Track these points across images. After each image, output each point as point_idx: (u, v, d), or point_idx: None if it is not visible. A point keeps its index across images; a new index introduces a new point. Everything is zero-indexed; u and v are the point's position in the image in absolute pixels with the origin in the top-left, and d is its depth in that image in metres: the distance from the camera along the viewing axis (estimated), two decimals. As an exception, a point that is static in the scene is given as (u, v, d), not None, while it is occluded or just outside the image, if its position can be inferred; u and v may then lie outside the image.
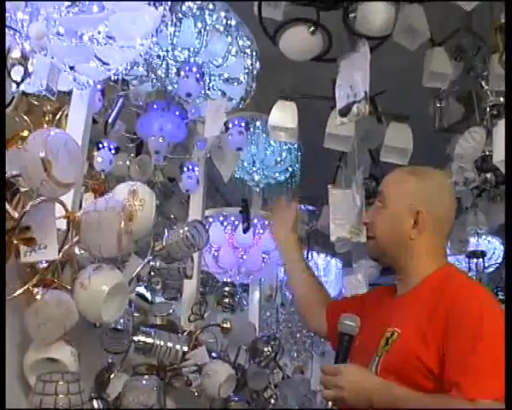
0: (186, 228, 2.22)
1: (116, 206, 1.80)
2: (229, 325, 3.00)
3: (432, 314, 1.89)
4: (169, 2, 2.20)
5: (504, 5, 2.54)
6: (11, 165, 1.63)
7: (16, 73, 1.52)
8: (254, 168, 4.23)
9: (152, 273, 2.81)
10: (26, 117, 2.86)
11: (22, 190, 1.85)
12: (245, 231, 3.32)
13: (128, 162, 3.53)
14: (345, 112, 2.97)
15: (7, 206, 1.65)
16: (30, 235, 1.69)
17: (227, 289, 4.91)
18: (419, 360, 1.85)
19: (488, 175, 3.86)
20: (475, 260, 5.16)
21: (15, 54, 1.57)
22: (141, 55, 2.32)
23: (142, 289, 3.24)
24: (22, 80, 1.68)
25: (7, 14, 1.90)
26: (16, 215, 1.68)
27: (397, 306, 2.08)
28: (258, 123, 4.05)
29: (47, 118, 3.39)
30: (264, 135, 4.05)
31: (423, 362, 1.85)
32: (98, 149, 3.21)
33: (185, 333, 2.79)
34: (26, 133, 3.26)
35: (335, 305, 2.44)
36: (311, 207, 5.43)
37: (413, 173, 2.18)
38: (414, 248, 2.08)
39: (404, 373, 1.87)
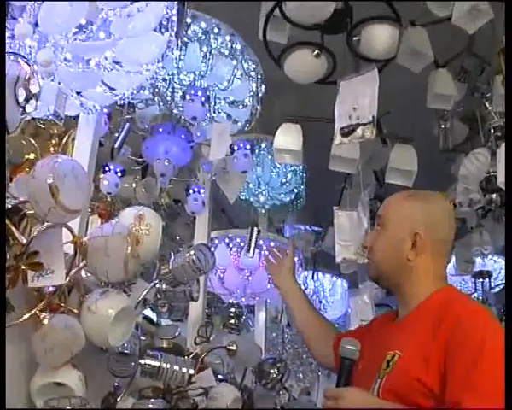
0: (192, 252, 2.22)
1: (123, 231, 1.81)
2: (235, 348, 2.98)
3: (432, 336, 1.90)
4: (175, 28, 2.21)
5: (504, 5, 2.54)
6: (19, 191, 1.65)
7: (30, 106, 1.53)
8: (260, 190, 4.25)
9: (158, 296, 2.82)
10: (32, 140, 2.88)
11: (28, 212, 1.87)
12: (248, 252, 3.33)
13: (134, 185, 3.54)
14: (346, 132, 2.99)
15: (15, 231, 1.65)
16: (37, 260, 1.70)
17: (233, 310, 4.92)
18: (419, 382, 1.86)
19: (493, 196, 3.87)
20: (481, 281, 5.15)
21: (34, 89, 1.59)
22: (147, 80, 2.33)
23: (147, 312, 3.23)
24: (27, 102, 1.69)
25: (15, 41, 1.94)
26: (24, 240, 1.68)
27: (397, 329, 2.10)
28: (263, 144, 4.08)
29: (53, 141, 3.41)
30: (269, 156, 4.08)
31: (424, 383, 1.85)
32: (104, 171, 3.22)
33: (191, 356, 2.78)
34: (32, 156, 3.29)
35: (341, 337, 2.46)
36: (316, 228, 5.44)
37: (412, 197, 2.21)
38: (412, 270, 2.09)
39: (404, 394, 1.88)
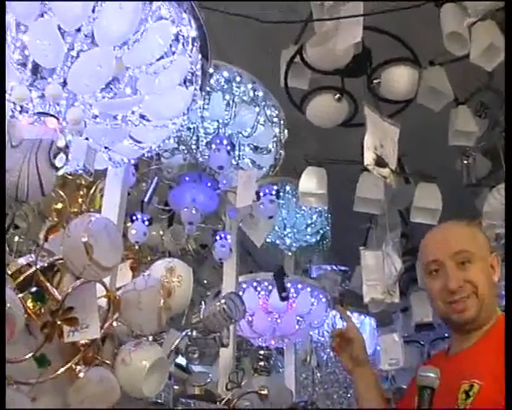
0: (223, 301, 2.25)
1: (155, 284, 1.84)
2: (266, 392, 2.99)
3: None
4: (199, 81, 2.27)
5: (504, 6, 2.56)
6: (55, 249, 1.70)
7: (59, 160, 1.58)
8: (285, 232, 4.27)
9: (188, 343, 2.84)
10: (60, 191, 2.93)
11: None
12: (284, 299, 3.34)
13: (161, 232, 3.59)
14: (376, 162, 3.01)
15: (50, 288, 1.70)
16: (73, 315, 1.74)
17: (262, 352, 4.91)
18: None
19: (519, 229, 3.85)
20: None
21: (60, 143, 1.64)
22: (173, 131, 2.38)
23: (178, 359, 3.26)
24: (62, 167, 1.74)
25: (45, 103, 2.00)
26: (59, 296, 1.72)
27: (467, 358, 2.01)
28: (287, 187, 4.11)
29: (81, 192, 3.47)
30: (294, 199, 4.11)
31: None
32: (132, 221, 3.27)
33: (223, 401, 2.80)
34: (60, 206, 3.35)
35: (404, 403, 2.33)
36: (342, 268, 5.45)
37: (468, 224, 2.17)
38: (496, 292, 2.07)
39: None
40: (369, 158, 2.98)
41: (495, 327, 1.99)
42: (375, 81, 3.15)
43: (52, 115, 1.99)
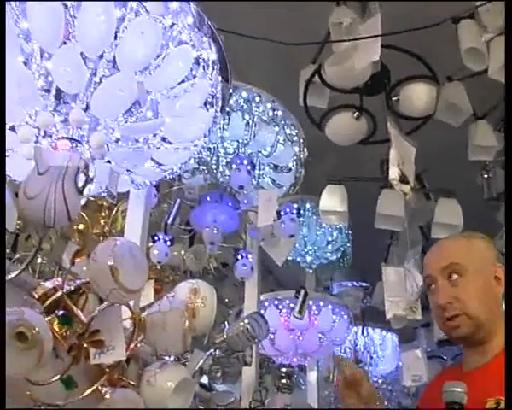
0: (246, 320, 2.27)
1: (180, 306, 1.87)
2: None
3: None
4: (219, 103, 2.29)
5: (504, 6, 2.56)
6: (81, 273, 1.72)
7: (84, 185, 1.61)
8: (306, 249, 4.29)
9: (212, 362, 2.86)
10: (82, 212, 2.97)
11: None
12: (297, 318, 3.35)
13: (183, 252, 3.61)
14: (400, 179, 3.02)
15: (77, 311, 1.72)
16: (99, 337, 1.76)
17: (284, 370, 4.91)
18: None
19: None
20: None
21: (85, 168, 1.67)
22: (194, 153, 2.41)
23: (202, 378, 3.27)
24: (84, 187, 1.76)
25: (68, 127, 2.03)
26: (85, 319, 1.74)
27: (485, 376, 1.91)
28: (307, 205, 4.13)
29: (103, 213, 3.51)
30: (314, 217, 4.12)
31: None
32: (154, 241, 3.30)
33: (247, 421, 2.81)
34: (81, 226, 3.38)
35: None
36: (363, 284, 5.45)
37: (471, 236, 2.08)
38: (501, 306, 1.97)
39: None
40: (394, 173, 3.00)
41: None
42: (393, 98, 3.17)
43: (76, 140, 2.02)
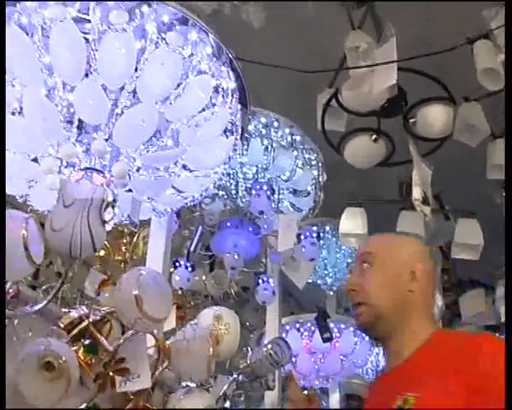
0: (269, 346, 2.28)
1: (204, 333, 1.88)
2: (312, 434, 2.99)
3: (455, 381, 1.71)
4: (239, 130, 2.31)
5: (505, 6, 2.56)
6: (106, 302, 1.75)
7: (108, 216, 1.64)
8: (326, 272, 4.29)
9: (235, 387, 2.86)
10: (104, 239, 2.99)
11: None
12: (326, 340, 3.34)
13: (204, 277, 3.63)
14: (422, 200, 3.04)
15: (103, 340, 1.74)
16: (124, 366, 1.78)
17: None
18: None
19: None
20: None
21: (109, 199, 1.70)
22: (214, 180, 2.43)
23: (226, 403, 3.27)
24: (110, 220, 1.79)
25: (90, 157, 2.06)
26: (111, 348, 1.76)
27: (399, 375, 1.89)
28: (327, 228, 4.13)
29: (124, 240, 3.54)
30: (333, 239, 4.13)
31: None
32: (175, 267, 3.32)
33: (270, 445, 2.81)
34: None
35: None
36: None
37: (396, 236, 2.18)
38: (413, 304, 1.93)
39: None
40: (417, 194, 3.02)
41: (431, 341, 1.88)
42: (411, 121, 3.18)
43: (98, 170, 2.05)
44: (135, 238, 3.44)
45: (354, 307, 1.99)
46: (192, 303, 3.97)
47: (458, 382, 1.70)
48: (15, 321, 1.61)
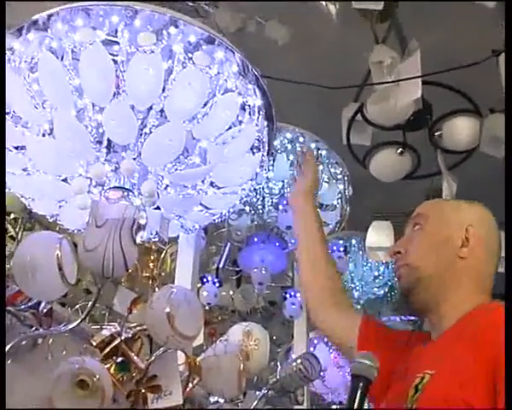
0: (299, 361, 2.29)
1: (235, 349, 1.90)
2: (342, 449, 3.00)
3: (473, 353, 1.56)
4: (266, 147, 2.33)
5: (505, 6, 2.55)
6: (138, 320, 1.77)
7: (140, 236, 1.66)
8: (353, 285, 4.28)
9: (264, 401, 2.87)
10: (132, 256, 3.01)
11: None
12: None
13: (231, 292, 3.65)
14: None
15: (135, 358, 1.76)
16: (156, 383, 1.80)
17: (334, 407, 4.88)
18: (465, 403, 1.51)
19: None
20: None
21: (141, 220, 1.72)
22: (242, 197, 2.45)
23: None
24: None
25: (119, 177, 2.09)
26: (143, 366, 1.79)
27: (428, 350, 1.73)
28: (353, 241, 4.13)
29: (152, 257, 3.56)
30: (360, 252, 4.12)
31: (471, 405, 1.50)
32: (203, 283, 3.34)
33: (300, 459, 2.81)
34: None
35: (378, 325, 2.11)
36: (412, 317, 5.40)
37: (453, 200, 2.03)
38: (462, 272, 1.76)
39: None
40: None
41: (470, 313, 1.70)
42: (436, 133, 3.18)
43: (127, 189, 2.08)
44: (162, 255, 3.46)
45: (397, 270, 1.83)
46: (219, 318, 3.98)
47: (480, 358, 1.54)
48: (50, 340, 1.64)
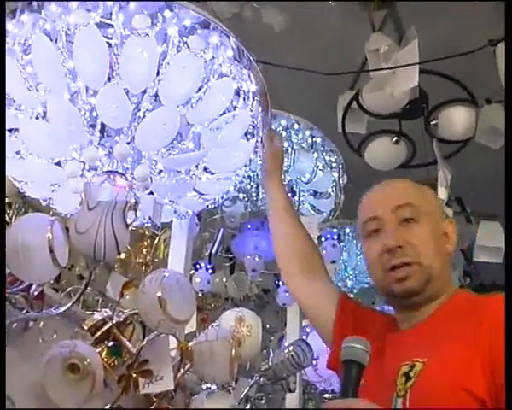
0: (291, 348, 2.28)
1: (227, 335, 1.89)
2: (334, 438, 2.99)
3: (472, 339, 1.51)
4: (260, 133, 2.32)
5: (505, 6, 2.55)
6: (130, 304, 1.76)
7: (129, 217, 1.65)
8: (347, 274, 4.27)
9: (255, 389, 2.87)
10: (125, 242, 3.00)
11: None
12: None
13: (224, 279, 3.65)
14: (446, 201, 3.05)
15: (126, 343, 1.75)
16: (147, 367, 1.79)
17: (326, 395, 4.88)
18: (465, 390, 1.46)
19: None
20: None
21: (132, 202, 1.71)
22: (235, 183, 2.44)
23: (247, 405, 3.28)
24: (132, 223, 1.80)
25: (112, 161, 2.08)
26: (134, 350, 1.78)
27: (410, 337, 1.67)
28: (347, 230, 4.12)
29: (145, 243, 3.56)
30: (354, 241, 4.11)
31: (470, 391, 1.46)
32: (196, 269, 3.34)
33: (292, 449, 2.81)
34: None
35: (356, 306, 2.05)
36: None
37: (416, 182, 1.83)
38: (448, 265, 1.73)
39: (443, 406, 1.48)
40: (443, 194, 3.01)
41: (450, 301, 1.67)
42: (432, 123, 3.18)
43: (120, 173, 2.07)
44: (156, 241, 3.45)
45: (398, 269, 1.66)
46: (212, 305, 3.98)
47: (479, 349, 1.49)
48: (41, 323, 1.63)
